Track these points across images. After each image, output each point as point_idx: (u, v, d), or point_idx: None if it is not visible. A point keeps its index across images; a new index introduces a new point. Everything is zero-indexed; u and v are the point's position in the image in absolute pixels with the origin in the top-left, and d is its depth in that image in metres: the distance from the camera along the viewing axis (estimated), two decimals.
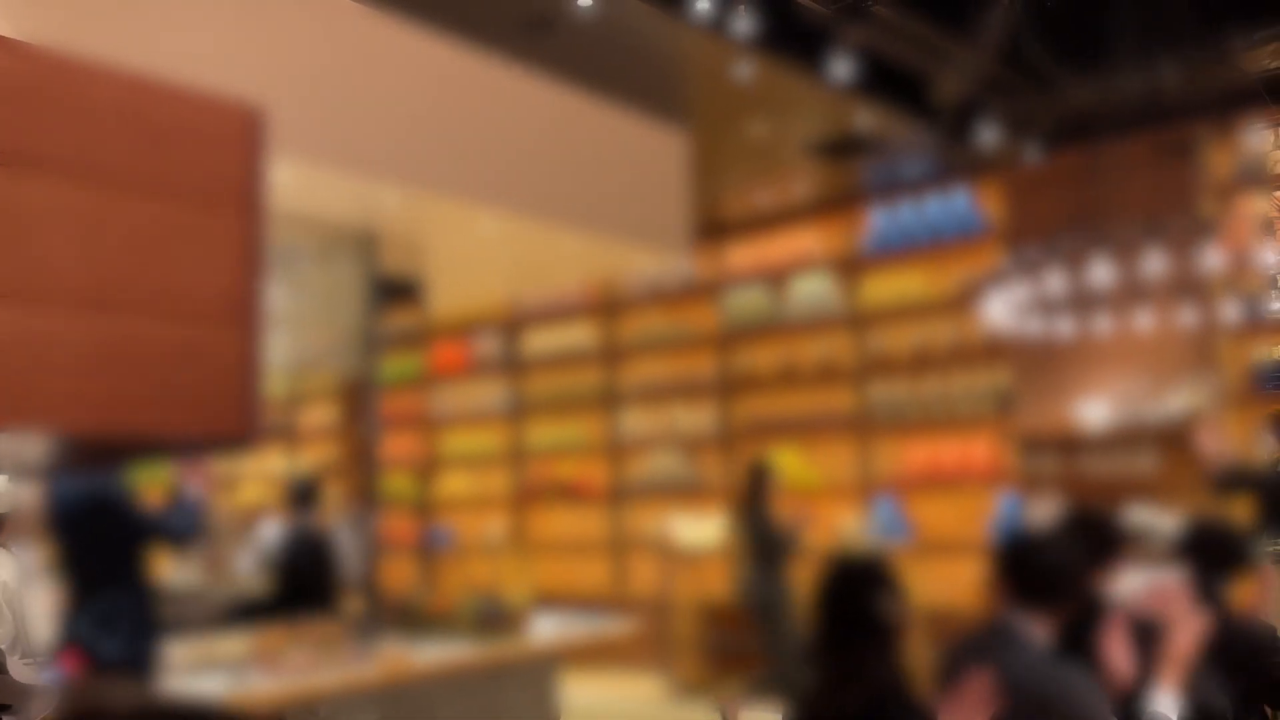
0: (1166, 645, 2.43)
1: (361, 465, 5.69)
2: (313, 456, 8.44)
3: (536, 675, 4.51)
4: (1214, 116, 5.55)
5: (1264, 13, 4.58)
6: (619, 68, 4.96)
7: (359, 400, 5.84)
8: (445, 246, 5.43)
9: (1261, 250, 3.84)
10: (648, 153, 5.38)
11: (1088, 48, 4.79)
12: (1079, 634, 2.49)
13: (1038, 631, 2.33)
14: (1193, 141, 5.65)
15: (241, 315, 1.66)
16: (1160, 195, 5.55)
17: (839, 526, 6.83)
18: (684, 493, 7.76)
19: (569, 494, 8.45)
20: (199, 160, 1.60)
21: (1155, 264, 3.76)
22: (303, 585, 4.85)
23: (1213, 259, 3.81)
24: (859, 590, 2.08)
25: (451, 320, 8.95)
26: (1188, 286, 4.43)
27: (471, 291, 6.88)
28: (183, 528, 3.66)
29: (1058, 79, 5.09)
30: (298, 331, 5.71)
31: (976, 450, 6.53)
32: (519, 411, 8.83)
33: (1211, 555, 3.07)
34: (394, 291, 6.05)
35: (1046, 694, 2.10)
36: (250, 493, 9.17)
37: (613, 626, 5.56)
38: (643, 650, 7.08)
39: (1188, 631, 2.46)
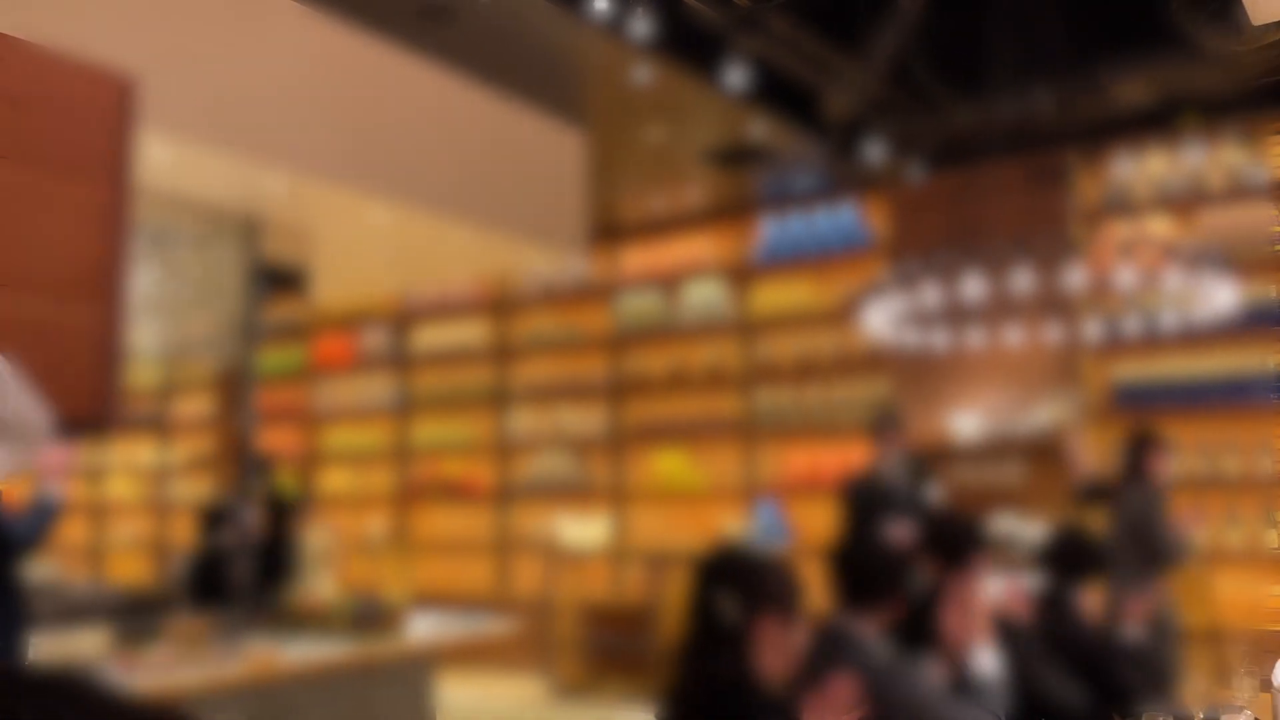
0: (970, 610, 2.56)
1: (236, 459, 5.51)
2: (185, 449, 8.12)
3: (412, 675, 4.44)
4: (1084, 144, 5.86)
5: (1133, 46, 4.86)
6: (518, 63, 4.94)
7: (236, 392, 5.65)
8: (332, 236, 5.30)
9: (1122, 273, 4.06)
10: (544, 151, 5.36)
11: (969, 73, 5.00)
12: (923, 622, 2.60)
13: (870, 630, 2.42)
14: (1064, 167, 5.95)
15: (102, 291, 1.59)
16: (1032, 217, 5.83)
17: (722, 529, 6.93)
18: (571, 494, 7.76)
19: (454, 493, 8.35)
20: (62, 126, 1.53)
21: (1023, 281, 3.95)
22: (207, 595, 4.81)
23: (1076, 279, 4.02)
24: (718, 588, 2.10)
25: (337, 312, 8.74)
26: (1053, 305, 4.66)
27: (359, 283, 6.73)
28: (23, 536, 3.38)
29: (941, 101, 5.29)
30: (173, 318, 5.49)
31: (855, 457, 6.71)
32: (405, 408, 8.68)
33: (1067, 563, 3.24)
34: (277, 280, 5.88)
35: (882, 693, 2.17)
36: (118, 487, 8.77)
37: (493, 627, 5.51)
38: (524, 651, 7.04)
39: (979, 592, 2.60)
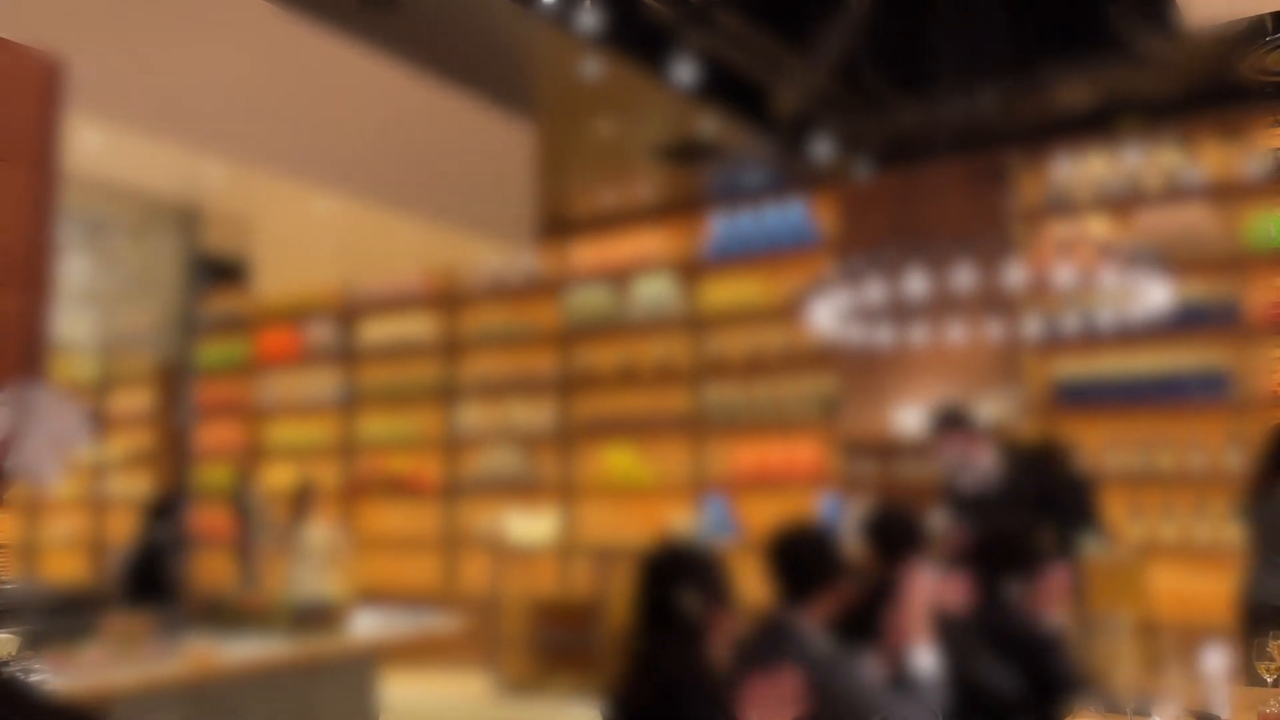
0: (908, 606, 2.59)
1: (174, 454, 5.40)
2: (122, 444, 7.94)
3: (355, 673, 4.38)
4: (1026, 145, 5.96)
5: (1074, 49, 4.95)
6: (465, 55, 4.89)
7: (175, 386, 5.53)
8: (275, 227, 5.21)
9: (1061, 272, 4.14)
10: (492, 144, 5.32)
11: (915, 73, 5.05)
12: (869, 615, 2.63)
13: (810, 623, 2.44)
14: (1006, 168, 6.05)
15: (27, 278, 1.54)
16: (974, 217, 5.92)
17: (671, 524, 6.95)
18: (519, 490, 7.72)
19: (401, 489, 8.27)
20: None
21: (965, 279, 4.01)
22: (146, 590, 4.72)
23: (1017, 277, 4.09)
24: (666, 583, 2.10)
25: (281, 305, 8.60)
26: (995, 302, 4.74)
27: (303, 276, 6.63)
28: None
29: (887, 100, 5.34)
30: (109, 310, 5.36)
31: (802, 453, 6.77)
32: (351, 403, 8.58)
33: (1000, 555, 3.29)
34: (217, 272, 5.76)
35: (822, 686, 2.19)
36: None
37: (439, 624, 5.47)
38: (471, 648, 6.99)
39: (919, 590, 2.63)
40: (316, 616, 4.38)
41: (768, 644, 2.37)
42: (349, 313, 8.66)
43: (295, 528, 6.66)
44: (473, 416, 8.10)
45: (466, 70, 4.94)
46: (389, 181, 4.70)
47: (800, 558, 2.51)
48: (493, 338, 8.03)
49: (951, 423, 4.03)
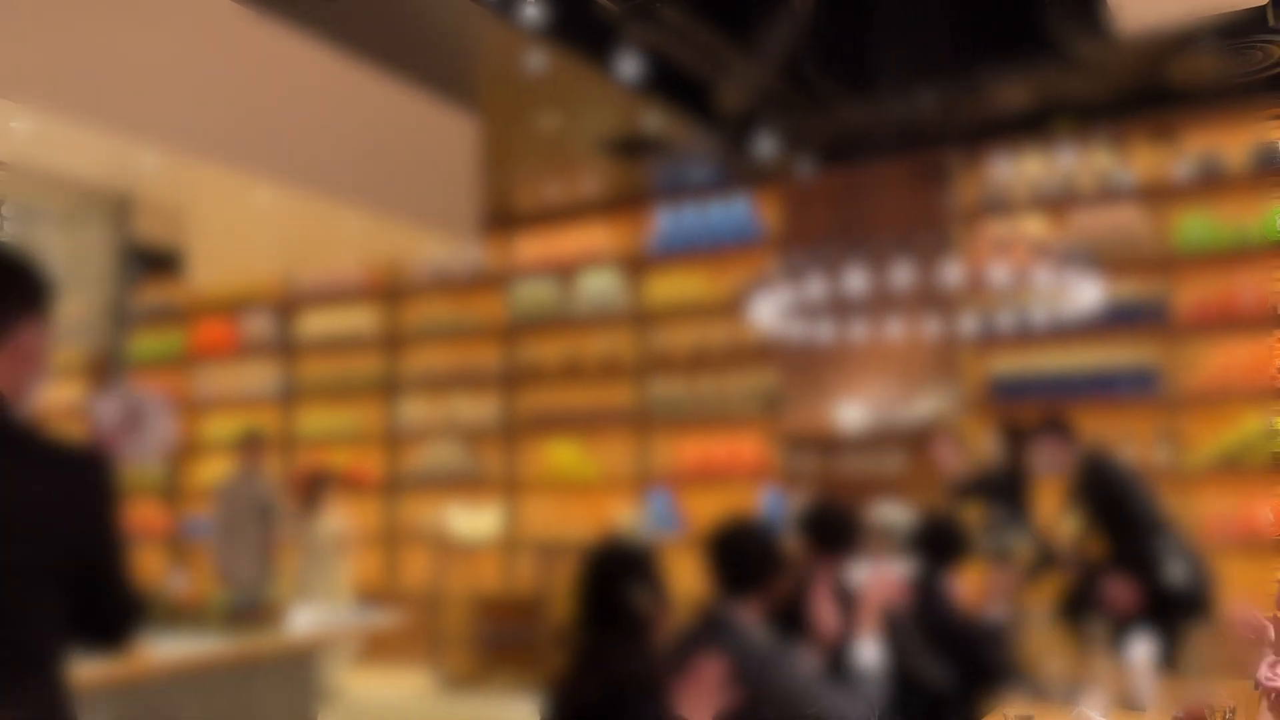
0: (860, 603, 2.64)
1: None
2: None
3: (293, 670, 4.32)
4: (965, 145, 6.06)
5: (1012, 51, 5.04)
6: (410, 45, 4.84)
7: (106, 378, 5.39)
8: (210, 216, 5.10)
9: (996, 270, 4.22)
10: (436, 135, 5.27)
11: (857, 72, 5.11)
12: (797, 608, 2.66)
13: (748, 617, 2.47)
14: (945, 167, 6.15)
15: None
16: (914, 215, 6.01)
17: (615, 519, 6.96)
18: (462, 484, 7.67)
19: (341, 484, 8.16)
20: None
21: (903, 276, 4.07)
22: None
23: (954, 275, 4.17)
24: (611, 579, 2.10)
25: (217, 297, 8.44)
26: (932, 299, 4.82)
27: (240, 267, 6.50)
28: None
29: (830, 99, 5.40)
30: None
31: (745, 447, 6.83)
32: (290, 397, 8.45)
33: (935, 548, 3.36)
34: (151, 262, 5.63)
35: (759, 679, 2.22)
36: None
37: (380, 619, 5.42)
38: (412, 643, 6.94)
39: (877, 587, 2.67)
40: (253, 613, 4.31)
41: (706, 636, 2.39)
42: (288, 305, 8.52)
43: (307, 519, 6.50)
44: (415, 410, 8.03)
45: (410, 61, 4.89)
46: (330, 172, 4.63)
47: (739, 552, 2.53)
48: (436, 331, 7.96)
49: (1053, 429, 3.91)
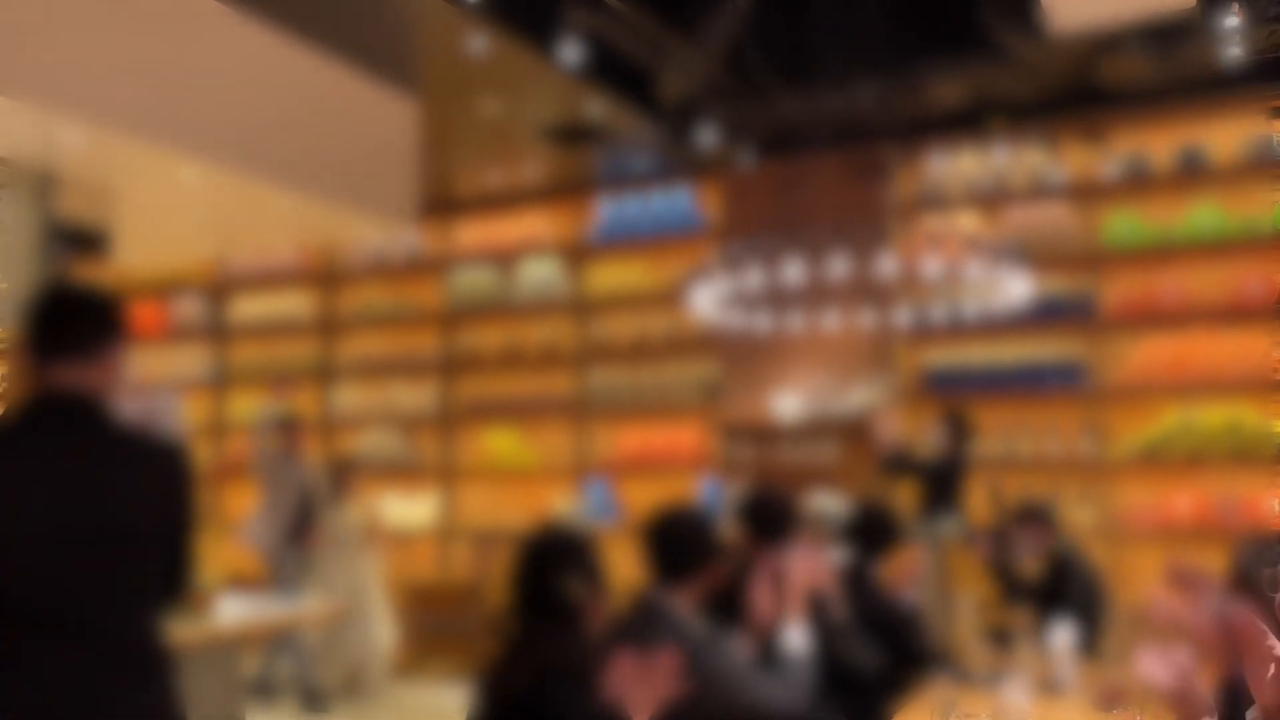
0: (785, 586, 2.66)
1: None
2: None
3: (219, 660, 4.24)
4: (903, 141, 6.15)
5: (949, 49, 5.12)
6: (348, 23, 4.75)
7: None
8: (138, 196, 4.95)
9: (929, 264, 4.29)
10: (374, 117, 5.18)
11: (798, 65, 5.15)
12: (735, 595, 2.68)
13: (683, 604, 2.48)
14: (883, 162, 6.22)
15: None
16: (852, 208, 6.07)
17: (552, 507, 6.94)
18: (399, 472, 7.59)
19: None
20: None
21: (840, 267, 4.12)
22: None
23: (889, 267, 4.22)
24: (544, 568, 2.09)
25: (146, 278, 8.21)
26: (868, 292, 4.88)
27: (169, 248, 6.32)
28: None
29: (771, 91, 5.43)
30: None
31: (684, 437, 6.86)
32: (222, 381, 8.27)
33: (867, 535, 3.41)
34: (76, 241, 5.45)
35: (692, 666, 2.23)
36: None
37: (311, 608, 5.34)
38: None
39: (800, 570, 2.70)
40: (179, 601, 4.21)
41: (640, 624, 2.40)
42: (220, 288, 8.34)
43: (332, 507, 6.28)
44: (351, 397, 7.91)
45: (349, 40, 4.79)
46: (263, 152, 4.52)
47: (674, 540, 2.54)
48: (373, 317, 7.86)
49: (1035, 518, 3.96)
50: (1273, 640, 1.46)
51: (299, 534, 6.04)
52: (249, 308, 8.29)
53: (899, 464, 5.57)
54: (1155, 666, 1.64)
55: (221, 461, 8.16)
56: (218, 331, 8.33)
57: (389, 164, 5.30)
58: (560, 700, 1.92)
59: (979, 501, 5.81)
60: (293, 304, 8.12)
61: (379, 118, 5.18)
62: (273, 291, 8.20)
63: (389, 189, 5.37)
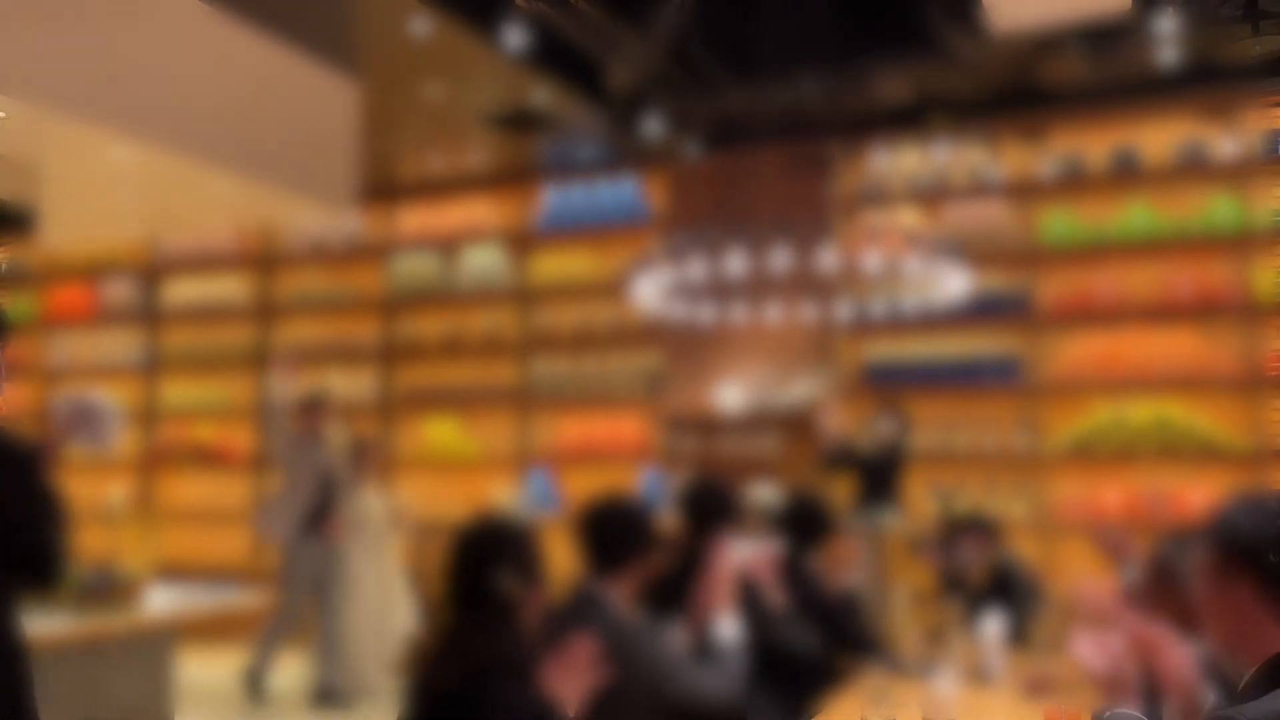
0: (712, 576, 2.67)
1: None
2: None
3: (148, 651, 4.14)
4: (846, 136, 6.20)
5: (893, 46, 5.16)
6: (289, 4, 4.64)
7: None
8: (66, 174, 4.80)
9: (869, 259, 4.33)
10: (314, 100, 5.07)
11: (743, 58, 5.15)
12: (679, 586, 2.69)
13: (618, 595, 2.48)
14: (826, 157, 6.27)
15: None
16: (795, 202, 6.11)
17: (493, 497, 6.90)
18: None
19: (207, 458, 7.85)
20: None
21: (782, 260, 4.14)
22: None
23: (830, 261, 4.26)
24: (479, 560, 2.07)
25: (75, 260, 7.98)
26: (810, 285, 4.92)
27: (99, 229, 6.14)
28: None
29: (717, 83, 5.43)
30: None
31: (627, 427, 6.85)
32: (153, 367, 8.07)
33: (802, 526, 3.44)
34: (1, 221, 5.27)
35: (626, 657, 2.22)
36: None
37: (243, 599, 5.24)
38: None
39: (723, 560, 2.72)
40: (106, 592, 4.11)
41: (574, 615, 2.39)
42: (152, 271, 8.13)
43: (353, 493, 5.95)
44: (287, 384, 7.77)
45: (289, 19, 4.69)
46: (200, 132, 4.40)
47: (610, 530, 2.53)
48: (311, 302, 7.72)
49: (979, 528, 4.05)
50: (1180, 653, 1.52)
51: (318, 523, 5.76)
52: (183, 291, 8.10)
53: (841, 458, 5.63)
54: (1090, 651, 1.68)
55: (152, 449, 7.97)
56: (149, 315, 8.12)
57: (329, 147, 5.20)
58: (492, 695, 1.90)
59: (917, 495, 5.91)
60: (228, 288, 7.95)
61: (320, 99, 5.08)
62: (208, 275, 8.02)
63: (329, 172, 5.27)
